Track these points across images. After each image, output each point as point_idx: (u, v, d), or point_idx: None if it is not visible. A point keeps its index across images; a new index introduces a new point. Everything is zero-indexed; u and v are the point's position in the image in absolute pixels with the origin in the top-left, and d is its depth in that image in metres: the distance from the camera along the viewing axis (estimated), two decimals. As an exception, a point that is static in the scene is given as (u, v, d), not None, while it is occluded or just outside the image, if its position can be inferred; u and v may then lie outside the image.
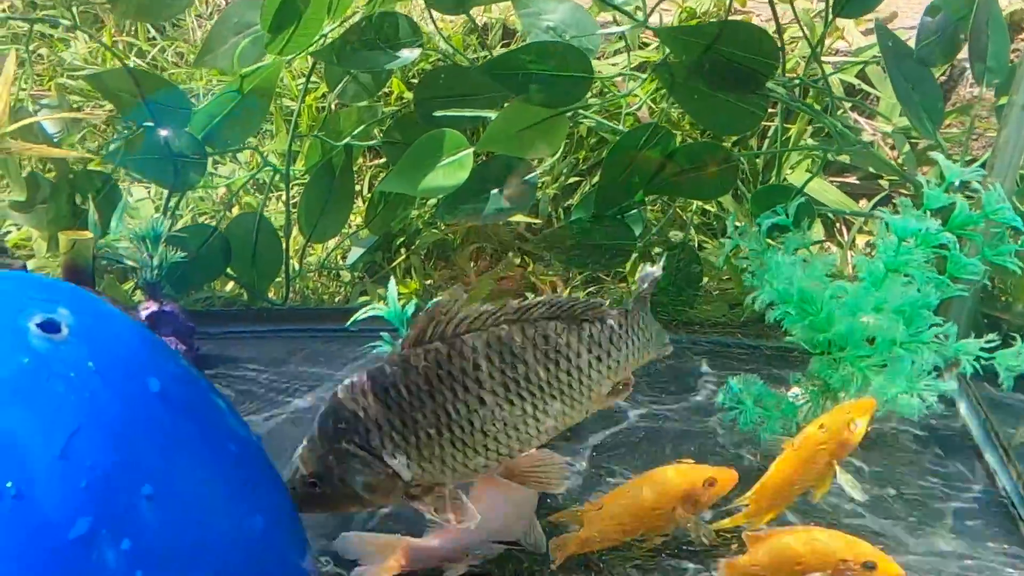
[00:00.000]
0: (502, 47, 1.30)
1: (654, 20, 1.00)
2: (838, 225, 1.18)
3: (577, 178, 1.27)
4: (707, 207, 1.18)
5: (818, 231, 1.13)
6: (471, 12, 1.05)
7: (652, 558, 0.73)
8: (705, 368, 0.98)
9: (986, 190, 0.85)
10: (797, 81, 1.03)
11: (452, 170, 0.98)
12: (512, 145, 1.00)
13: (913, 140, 1.16)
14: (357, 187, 1.20)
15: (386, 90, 1.24)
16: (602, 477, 0.82)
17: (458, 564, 0.68)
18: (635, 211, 1.07)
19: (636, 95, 1.14)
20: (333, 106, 1.22)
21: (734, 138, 1.16)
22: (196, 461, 0.42)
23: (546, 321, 0.61)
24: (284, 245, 1.08)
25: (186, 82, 1.31)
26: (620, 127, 1.11)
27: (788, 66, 1.12)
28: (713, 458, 0.84)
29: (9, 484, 0.36)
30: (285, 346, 1.00)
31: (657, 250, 1.16)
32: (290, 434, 0.86)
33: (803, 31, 1.03)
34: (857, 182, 1.22)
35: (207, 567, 0.41)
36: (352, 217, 1.16)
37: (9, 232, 1.18)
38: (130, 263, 0.95)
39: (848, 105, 1.18)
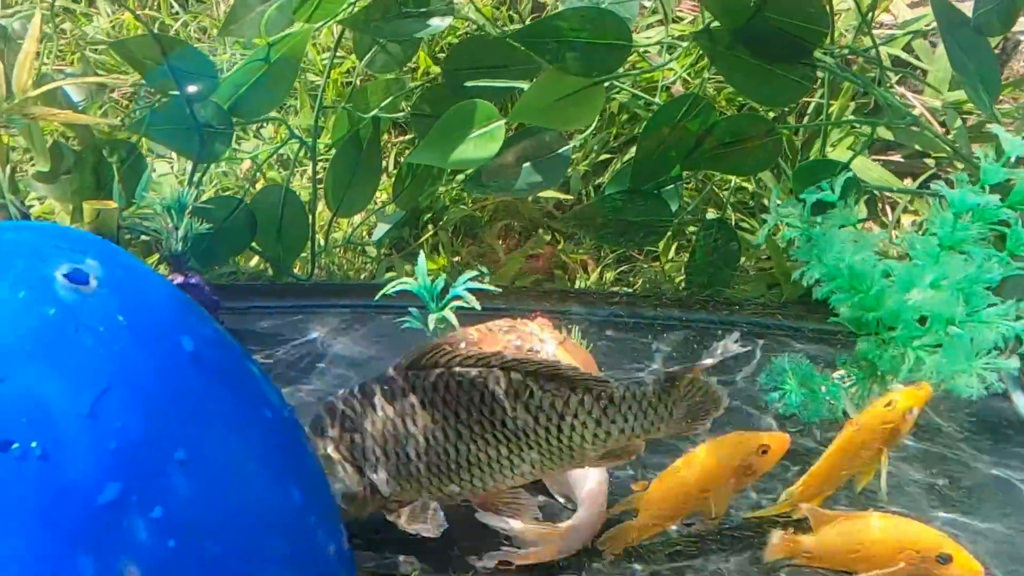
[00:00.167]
0: (532, 20, 1.26)
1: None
2: (881, 204, 1.14)
3: (608, 155, 1.23)
4: (743, 183, 1.14)
5: (860, 211, 1.08)
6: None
7: (694, 543, 0.70)
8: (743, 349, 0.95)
9: (1050, 163, 0.81)
10: (846, 51, 0.98)
11: (483, 142, 0.95)
12: (546, 116, 0.96)
13: (963, 116, 1.11)
14: (383, 163, 1.17)
15: (412, 65, 1.21)
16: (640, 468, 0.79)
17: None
18: (671, 187, 1.04)
19: (671, 68, 1.10)
20: (359, 81, 1.20)
21: (771, 112, 1.12)
22: (231, 427, 0.40)
23: (542, 376, 0.62)
24: (310, 219, 1.06)
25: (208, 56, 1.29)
26: (656, 100, 1.08)
27: (834, 36, 1.07)
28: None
29: (34, 444, 0.34)
30: (310, 321, 0.98)
31: (692, 228, 1.12)
32: (315, 412, 0.84)
33: (852, -1, 0.98)
34: (901, 160, 1.17)
35: (240, 539, 0.39)
36: (377, 194, 1.14)
37: (32, 206, 1.17)
38: (154, 235, 0.93)
39: (894, 79, 1.13)
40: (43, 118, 0.83)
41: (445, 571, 0.65)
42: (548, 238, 1.17)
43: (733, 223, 1.11)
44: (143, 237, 0.98)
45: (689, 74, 1.12)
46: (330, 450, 0.62)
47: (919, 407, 0.69)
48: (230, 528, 0.38)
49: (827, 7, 0.91)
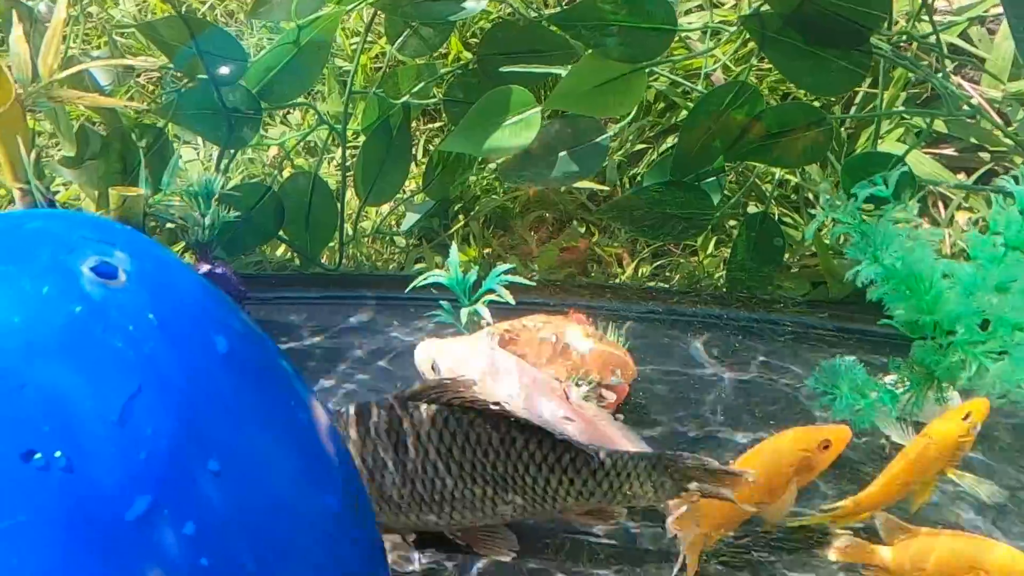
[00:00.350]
0: (568, 2, 1.22)
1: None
2: (932, 200, 1.08)
3: (643, 145, 1.19)
4: (788, 176, 1.10)
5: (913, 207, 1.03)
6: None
7: (740, 553, 0.67)
8: (787, 349, 0.91)
9: None
10: (904, 38, 0.93)
11: (518, 129, 0.92)
12: (584, 103, 0.92)
13: (1023, 107, 1.05)
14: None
15: (442, 50, 1.17)
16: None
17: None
18: (713, 178, 1.00)
19: (713, 55, 1.06)
20: (388, 66, 1.16)
21: (816, 101, 1.07)
22: (267, 433, 0.37)
23: (537, 433, 0.62)
24: (339, 208, 1.03)
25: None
26: (697, 87, 1.03)
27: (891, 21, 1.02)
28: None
29: (58, 454, 0.31)
30: (338, 313, 0.95)
31: (732, 222, 1.08)
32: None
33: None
34: (954, 153, 1.11)
35: (276, 554, 0.36)
36: (407, 183, 1.11)
37: (58, 191, 1.15)
38: (180, 222, 0.90)
39: (950, 67, 1.08)
40: (69, 102, 0.80)
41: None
42: (582, 230, 1.14)
43: (776, 218, 1.07)
44: (168, 225, 0.95)
45: (732, 61, 1.07)
46: None
47: (983, 420, 0.65)
48: (266, 543, 0.35)
49: (886, -10, 0.86)
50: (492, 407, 0.63)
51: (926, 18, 0.92)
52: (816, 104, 1.04)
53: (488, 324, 0.82)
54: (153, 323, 0.34)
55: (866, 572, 0.60)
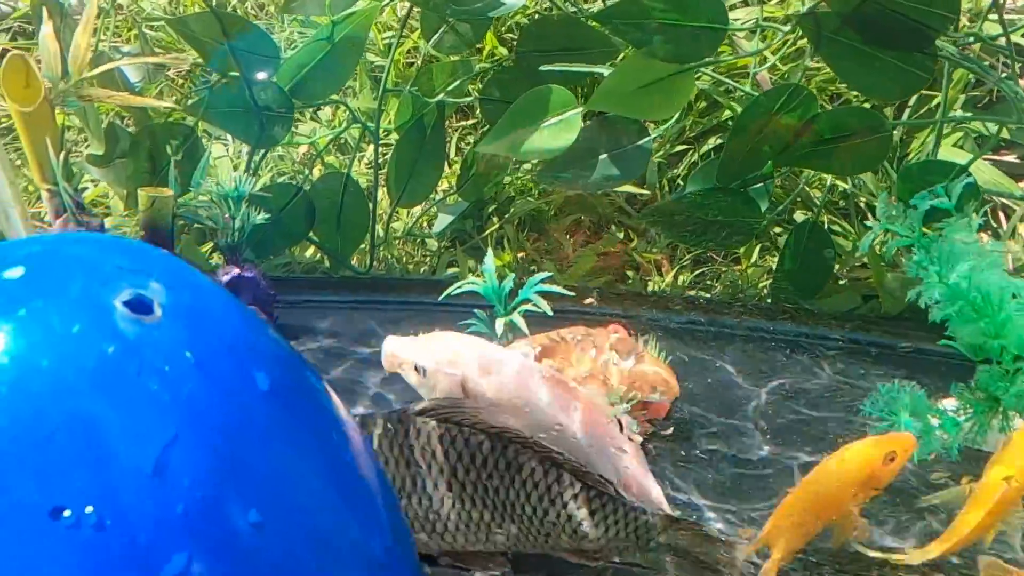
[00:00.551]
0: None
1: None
2: (992, 210, 1.03)
3: (684, 146, 1.15)
4: (839, 182, 1.05)
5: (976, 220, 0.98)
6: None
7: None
8: (836, 368, 0.87)
9: None
10: (971, 39, 0.88)
11: (558, 131, 0.88)
12: (627, 104, 0.88)
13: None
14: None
15: (477, 46, 1.14)
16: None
17: None
18: (760, 184, 0.95)
19: (763, 55, 1.01)
20: (420, 62, 1.13)
21: (869, 105, 1.02)
22: (310, 479, 0.34)
23: (548, 462, 0.61)
24: (371, 208, 1.01)
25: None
26: (744, 88, 0.99)
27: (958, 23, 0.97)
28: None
29: (89, 509, 0.29)
30: (369, 318, 0.93)
31: (778, 230, 1.04)
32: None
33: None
34: (1017, 161, 1.06)
35: (318, 607, 0.33)
36: (439, 183, 1.08)
37: (86, 188, 1.14)
38: (209, 223, 0.88)
39: (1018, 69, 1.02)
40: (99, 100, 0.78)
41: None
42: (620, 235, 1.10)
43: (825, 226, 1.02)
44: (196, 225, 0.93)
45: (781, 61, 1.02)
46: None
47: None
48: (308, 598, 0.32)
49: (955, -11, 0.81)
50: (506, 434, 0.60)
51: (992, 17, 0.86)
52: (871, 108, 0.99)
53: (524, 335, 0.79)
54: (190, 362, 0.31)
55: None
